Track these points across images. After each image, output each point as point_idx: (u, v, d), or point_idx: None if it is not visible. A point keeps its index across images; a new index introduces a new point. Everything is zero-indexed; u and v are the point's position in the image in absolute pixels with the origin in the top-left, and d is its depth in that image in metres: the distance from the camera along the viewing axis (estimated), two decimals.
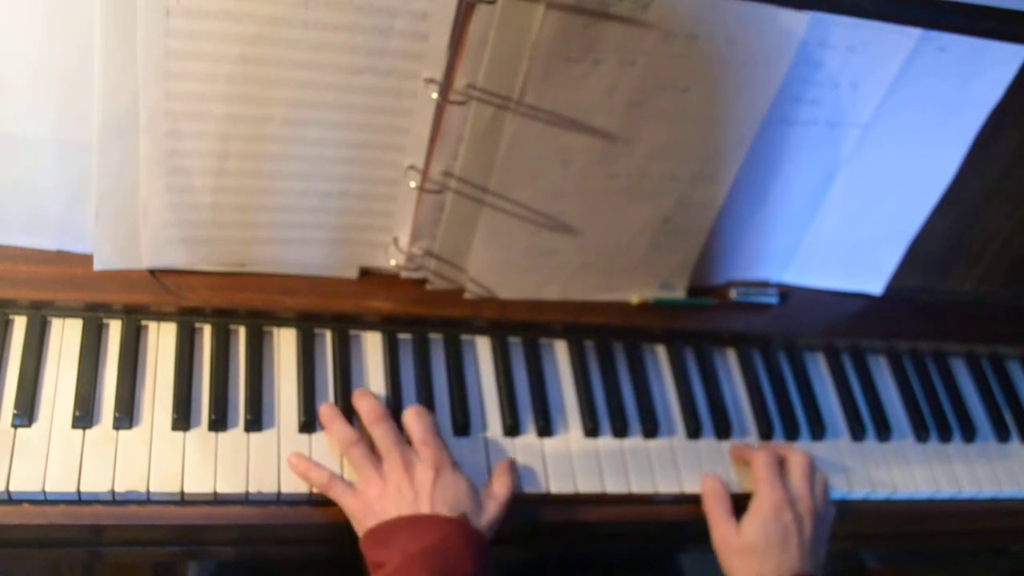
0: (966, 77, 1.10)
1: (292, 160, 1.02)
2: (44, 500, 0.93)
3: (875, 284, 1.29)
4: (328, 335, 1.09)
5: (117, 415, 0.98)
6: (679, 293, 1.22)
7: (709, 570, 1.11)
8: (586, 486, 1.07)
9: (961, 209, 1.23)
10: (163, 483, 0.95)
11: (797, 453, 1.11)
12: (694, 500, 1.09)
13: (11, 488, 0.92)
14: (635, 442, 1.12)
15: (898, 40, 1.05)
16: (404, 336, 1.12)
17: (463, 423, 1.07)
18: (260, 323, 1.07)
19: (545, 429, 1.09)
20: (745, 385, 1.21)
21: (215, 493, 0.96)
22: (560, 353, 1.17)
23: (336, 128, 1.00)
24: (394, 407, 1.06)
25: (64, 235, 1.03)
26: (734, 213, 1.17)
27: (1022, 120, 1.17)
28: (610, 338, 1.18)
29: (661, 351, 1.20)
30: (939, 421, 1.25)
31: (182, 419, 0.99)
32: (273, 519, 0.98)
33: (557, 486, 1.06)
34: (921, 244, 1.24)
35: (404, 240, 1.10)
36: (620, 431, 1.12)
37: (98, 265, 1.03)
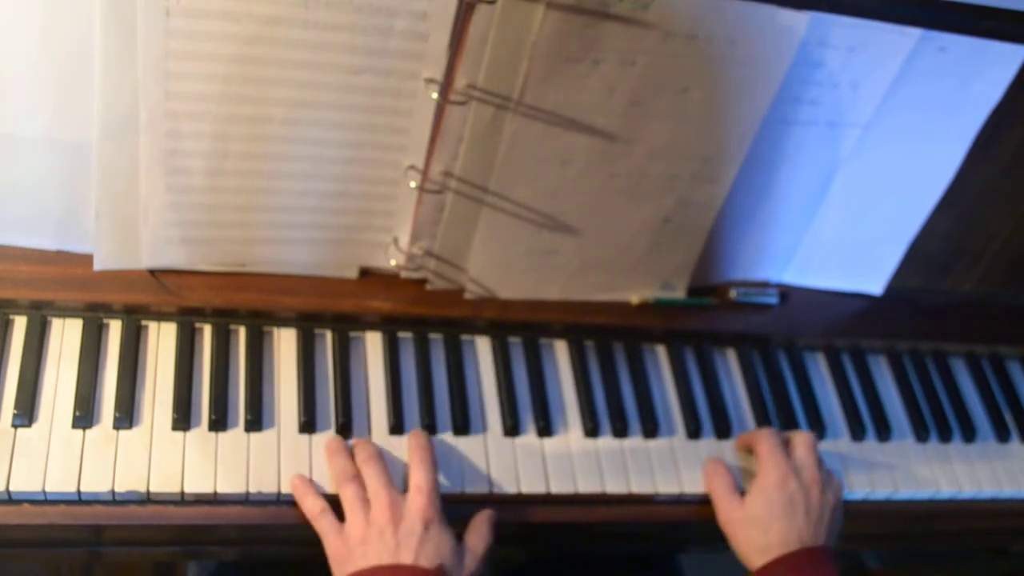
0: (966, 77, 1.10)
1: (292, 160, 1.02)
2: (44, 500, 0.93)
3: (875, 284, 1.29)
4: (328, 335, 1.09)
5: (117, 415, 0.98)
6: (679, 293, 1.22)
7: (709, 570, 1.11)
8: (586, 486, 1.07)
9: (961, 209, 1.23)
10: (163, 483, 0.95)
11: (800, 432, 1.11)
12: (694, 500, 1.09)
13: (11, 488, 0.92)
14: (635, 442, 1.12)
15: (898, 40, 1.05)
16: (404, 336, 1.12)
17: (463, 423, 1.07)
18: (260, 323, 1.07)
19: (545, 429, 1.09)
20: (745, 385, 1.21)
21: (215, 493, 0.96)
22: (560, 353, 1.17)
23: (336, 128, 1.00)
24: (394, 407, 1.06)
25: (64, 235, 1.03)
26: (734, 213, 1.17)
27: (1022, 120, 1.17)
28: (610, 338, 1.18)
29: (661, 351, 1.20)
30: (939, 421, 1.25)
31: (182, 419, 0.99)
32: (273, 519, 0.98)
33: (557, 486, 1.06)
34: (921, 244, 1.24)
35: (404, 240, 1.10)
36: (620, 431, 1.12)
37: (98, 265, 1.03)
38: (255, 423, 1.01)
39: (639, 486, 1.08)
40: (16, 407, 0.96)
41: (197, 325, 1.06)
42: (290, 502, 0.98)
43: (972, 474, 1.22)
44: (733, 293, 1.24)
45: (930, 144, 1.16)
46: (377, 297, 1.11)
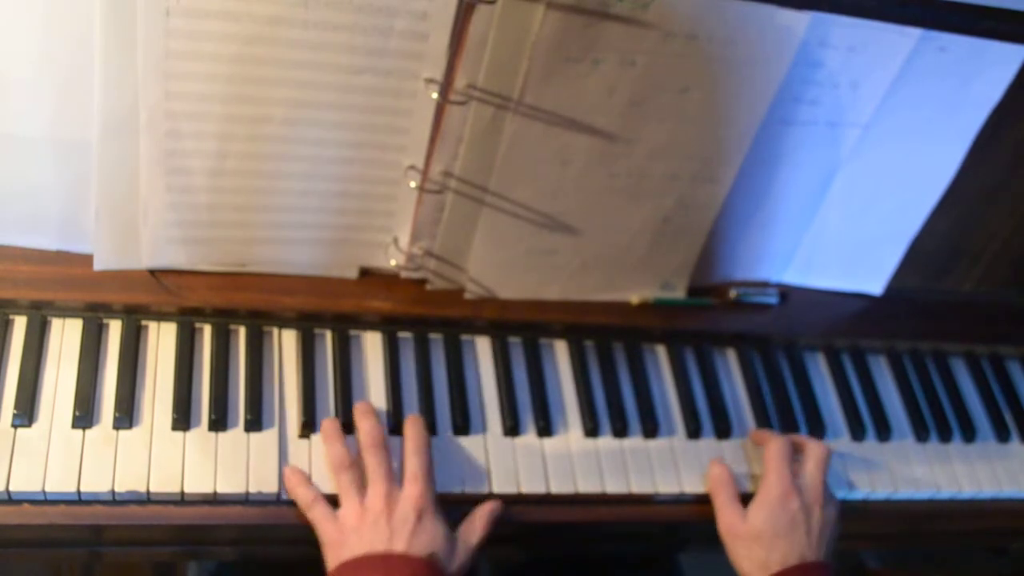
0: (966, 77, 1.10)
1: (292, 160, 1.02)
2: (44, 500, 0.93)
3: (875, 284, 1.29)
4: (328, 335, 1.09)
5: (117, 415, 0.98)
6: (679, 293, 1.22)
7: (709, 570, 1.11)
8: (586, 486, 1.07)
9: (961, 209, 1.23)
10: (163, 483, 0.95)
11: (816, 443, 1.11)
12: (694, 500, 1.10)
13: (11, 488, 0.92)
14: (635, 442, 1.12)
15: (898, 40, 1.05)
16: (404, 336, 1.12)
17: (463, 423, 1.07)
18: (260, 323, 1.07)
19: (545, 429, 1.09)
20: (745, 385, 1.21)
21: (215, 493, 0.96)
22: (560, 353, 1.17)
23: (336, 128, 1.00)
24: (394, 407, 1.06)
25: (64, 235, 1.03)
26: (734, 213, 1.17)
27: (1022, 120, 1.17)
28: (610, 338, 1.18)
29: (661, 351, 1.20)
30: (939, 421, 1.25)
31: (182, 419, 0.99)
32: (273, 519, 0.98)
33: (557, 486, 1.06)
34: (921, 244, 1.25)
35: (404, 240, 1.10)
36: (620, 431, 1.12)
37: (98, 265, 1.03)
38: (255, 423, 1.01)
39: (639, 486, 1.08)
40: (16, 407, 0.96)
41: (197, 325, 1.06)
42: (290, 502, 0.98)
43: (972, 474, 1.22)
44: (733, 293, 1.24)
45: (930, 144, 1.16)
46: (377, 297, 1.11)
